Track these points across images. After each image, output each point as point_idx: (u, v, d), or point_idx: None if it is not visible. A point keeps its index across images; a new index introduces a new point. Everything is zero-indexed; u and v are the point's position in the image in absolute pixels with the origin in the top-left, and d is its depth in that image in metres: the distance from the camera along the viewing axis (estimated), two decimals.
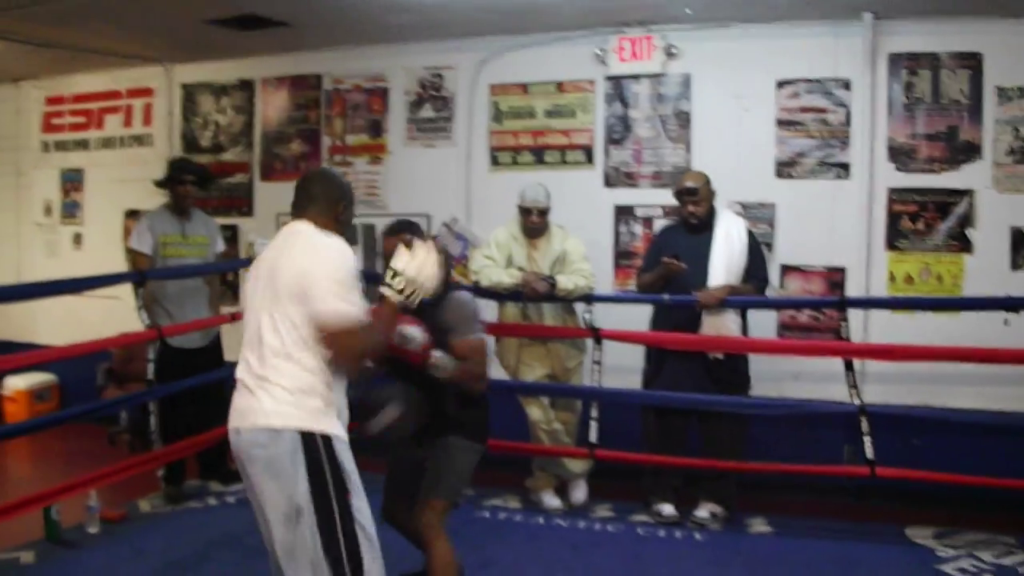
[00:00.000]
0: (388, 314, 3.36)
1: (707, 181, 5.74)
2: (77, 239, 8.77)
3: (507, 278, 5.84)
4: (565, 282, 5.78)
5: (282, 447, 3.17)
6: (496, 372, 6.46)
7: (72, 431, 7.78)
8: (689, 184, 5.73)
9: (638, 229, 6.62)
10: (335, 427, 3.25)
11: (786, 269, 6.34)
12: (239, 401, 3.34)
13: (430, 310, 3.95)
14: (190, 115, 8.15)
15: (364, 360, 3.32)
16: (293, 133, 7.69)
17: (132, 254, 6.31)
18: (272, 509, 3.24)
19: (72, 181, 8.75)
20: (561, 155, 6.82)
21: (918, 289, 6.18)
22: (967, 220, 6.10)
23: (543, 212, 5.92)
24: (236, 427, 3.30)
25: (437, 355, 3.96)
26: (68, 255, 8.71)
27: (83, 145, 8.71)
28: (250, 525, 5.56)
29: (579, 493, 6.16)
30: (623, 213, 6.70)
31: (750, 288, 5.68)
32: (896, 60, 6.18)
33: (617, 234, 6.71)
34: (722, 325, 5.62)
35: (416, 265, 3.33)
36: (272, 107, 7.78)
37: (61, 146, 8.78)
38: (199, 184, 6.42)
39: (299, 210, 3.47)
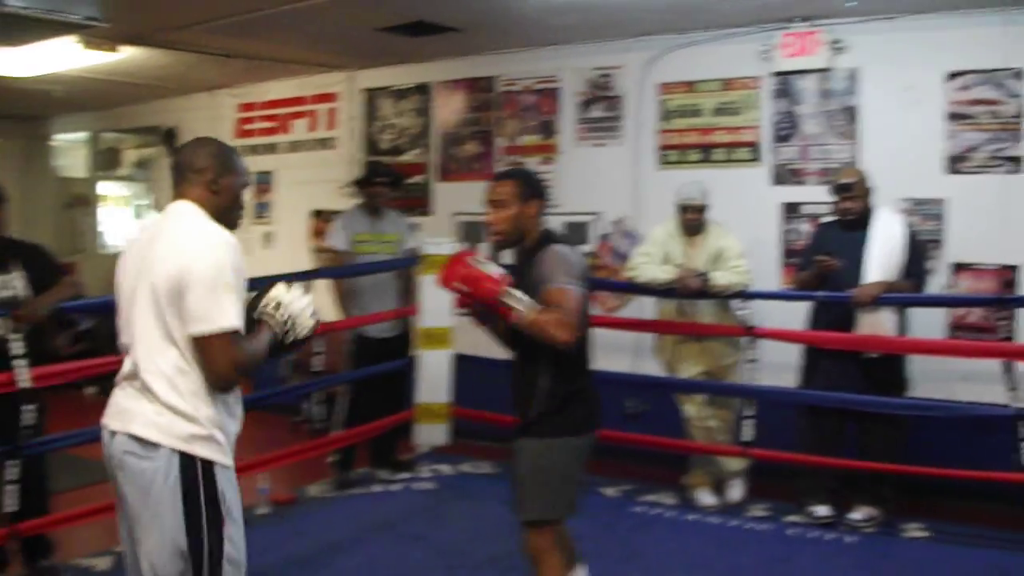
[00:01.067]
0: (264, 340, 3.10)
1: (863, 177, 5.70)
2: (267, 238, 9.29)
3: (662, 274, 5.92)
4: (719, 278, 5.82)
5: (156, 463, 2.92)
6: (652, 367, 6.65)
7: (257, 419, 8.27)
8: (845, 180, 5.70)
9: (805, 227, 6.59)
10: (218, 453, 2.99)
11: (957, 267, 6.21)
12: (121, 399, 3.05)
13: (526, 268, 3.75)
14: (371, 119, 8.53)
15: (238, 377, 2.97)
16: (468, 135, 7.96)
17: (328, 251, 6.75)
18: (137, 523, 2.97)
19: (262, 183, 9.25)
20: (728, 153, 6.86)
21: None
22: None
23: (699, 209, 5.98)
24: (112, 428, 3.01)
25: (515, 292, 3.55)
26: (259, 253, 9.17)
27: (272, 149, 9.22)
28: (408, 512, 6.05)
29: (735, 491, 6.19)
30: (790, 211, 6.69)
31: (908, 286, 5.58)
32: None
33: (784, 232, 6.71)
34: (877, 324, 5.55)
35: (298, 307, 3.17)
36: (448, 109, 8.07)
37: (252, 150, 9.27)
38: (391, 185, 6.78)
39: (175, 189, 3.17)
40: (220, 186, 3.12)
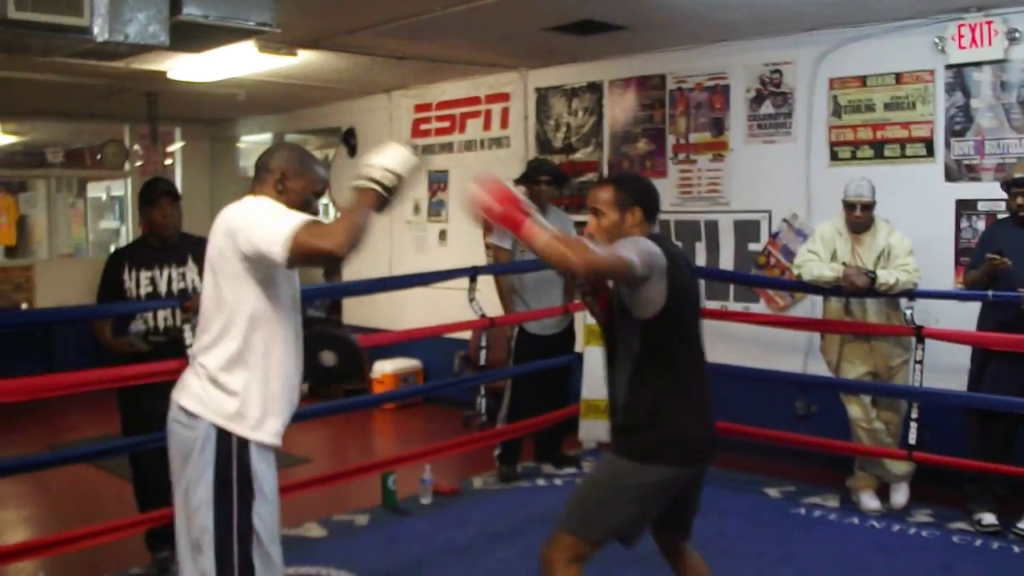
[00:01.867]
0: (365, 203, 3.05)
1: None
2: (442, 235, 9.54)
3: (828, 272, 5.87)
4: (886, 276, 5.73)
5: (196, 432, 3.10)
6: (818, 367, 6.61)
7: (432, 413, 8.82)
8: (1019, 175, 5.55)
9: (980, 225, 6.38)
10: (255, 431, 3.12)
11: None
12: (185, 373, 3.27)
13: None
14: (543, 117, 8.67)
15: (349, 243, 2.95)
16: (639, 132, 8.00)
17: (493, 249, 6.94)
18: (177, 488, 3.19)
19: (438, 181, 9.52)
20: (901, 148, 6.72)
21: None
22: None
23: (867, 207, 5.91)
24: (173, 396, 3.24)
25: (540, 217, 3.27)
26: (434, 250, 9.48)
27: (447, 148, 9.46)
28: (551, 511, 6.12)
29: (900, 496, 6.05)
30: (965, 208, 6.50)
31: None
32: None
33: (958, 230, 6.52)
34: None
35: (399, 159, 3.11)
36: (619, 107, 8.14)
37: (428, 149, 9.53)
38: (554, 183, 6.90)
39: (252, 185, 3.35)
40: (286, 187, 3.25)
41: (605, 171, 8.21)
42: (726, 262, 7.51)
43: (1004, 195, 5.82)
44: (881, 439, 6.05)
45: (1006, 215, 5.87)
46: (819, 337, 6.52)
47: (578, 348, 7.07)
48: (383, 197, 3.07)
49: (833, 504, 6.18)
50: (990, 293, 5.57)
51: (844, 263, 5.92)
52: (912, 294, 5.88)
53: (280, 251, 2.92)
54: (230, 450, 3.08)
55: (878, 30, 6.73)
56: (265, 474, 3.14)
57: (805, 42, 7.08)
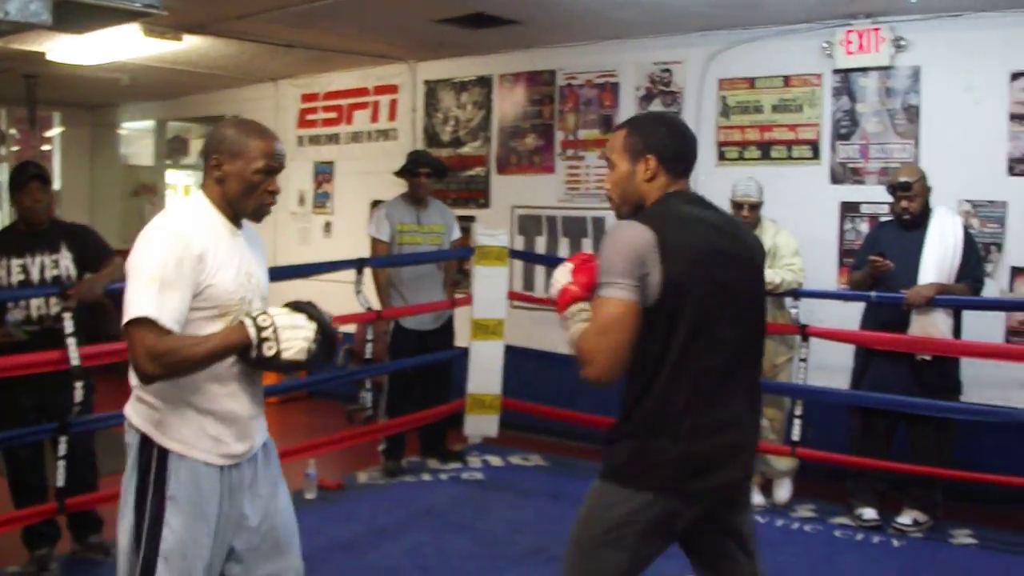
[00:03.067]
0: (219, 339, 2.77)
1: (922, 176, 5.64)
2: (327, 227, 9.41)
3: None
4: (772, 276, 5.72)
5: (130, 439, 2.94)
6: None
7: (314, 407, 8.63)
8: (903, 179, 5.64)
9: (864, 227, 6.51)
10: (179, 443, 2.88)
11: (1016, 271, 6.09)
12: None
13: None
14: (432, 110, 8.58)
15: (156, 370, 2.71)
16: (528, 128, 7.96)
17: (372, 241, 6.77)
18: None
19: (323, 173, 9.37)
20: (787, 150, 6.80)
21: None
22: None
23: (754, 206, 5.94)
24: None
25: (572, 310, 2.75)
26: (319, 242, 9.34)
27: (334, 139, 9.30)
28: (454, 501, 6.12)
29: (783, 491, 6.15)
30: (849, 210, 6.62)
31: (963, 288, 5.51)
32: None
33: (842, 231, 6.64)
34: (931, 326, 5.48)
35: (290, 329, 2.77)
36: (508, 102, 8.09)
37: (314, 140, 9.39)
38: (434, 176, 6.80)
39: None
40: (224, 173, 2.91)
41: (493, 166, 8.14)
42: None
43: (888, 198, 5.89)
44: (765, 436, 6.04)
45: (889, 218, 5.95)
46: None
47: (463, 343, 6.97)
48: (250, 351, 2.77)
49: None
50: (873, 294, 5.65)
51: None
52: (798, 293, 5.93)
53: (124, 321, 2.72)
54: (151, 459, 2.89)
55: (768, 33, 6.80)
56: (185, 488, 2.88)
57: (695, 42, 7.13)
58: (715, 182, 6.83)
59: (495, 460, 6.99)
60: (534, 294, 7.65)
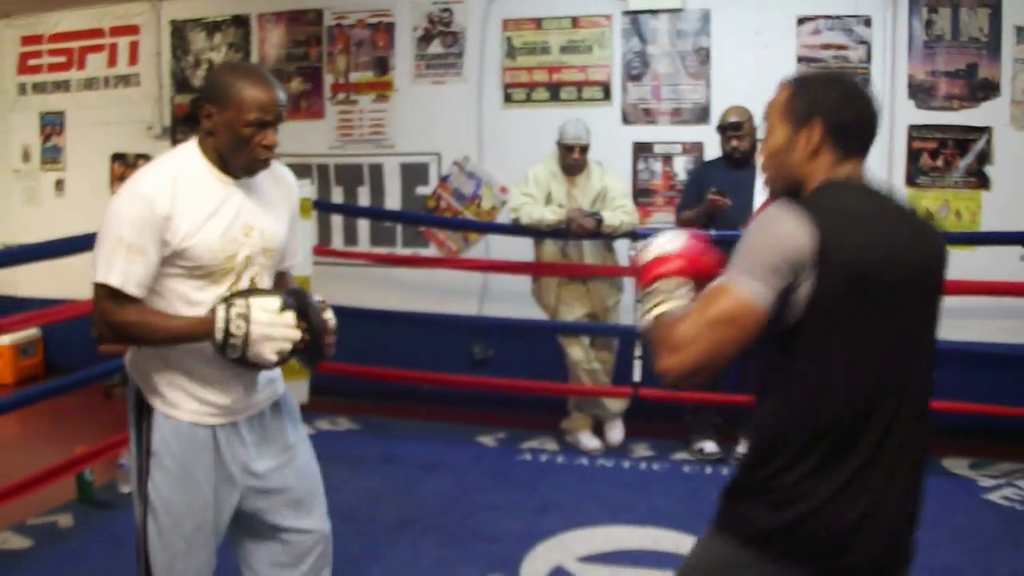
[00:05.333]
0: (181, 329, 2.70)
1: (751, 116, 5.73)
2: (59, 185, 8.48)
3: (550, 215, 5.76)
4: (611, 218, 5.73)
5: (129, 391, 2.90)
6: (493, 310, 6.62)
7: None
8: (733, 119, 5.73)
9: (657, 167, 6.60)
10: (163, 403, 2.80)
11: None
12: None
13: None
14: (180, 53, 7.92)
15: (108, 336, 2.69)
16: (293, 71, 7.50)
17: None
18: None
19: (52, 124, 8.46)
20: (577, 91, 6.74)
21: (938, 225, 6.24)
22: (985, 157, 6.20)
23: (585, 149, 5.86)
24: None
25: (670, 285, 2.14)
26: (50, 202, 8.41)
27: (63, 87, 8.40)
28: None
29: (616, 433, 6.12)
30: (642, 150, 6.66)
31: None
32: None
33: (636, 172, 6.67)
34: None
35: (264, 331, 2.67)
36: (270, 44, 7.59)
37: (40, 88, 8.47)
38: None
39: None
40: (214, 124, 2.70)
41: None
42: (392, 207, 7.20)
43: (678, 138, 6.18)
44: (599, 378, 6.07)
45: (685, 158, 6.26)
46: (495, 279, 6.61)
47: None
48: (217, 338, 2.68)
49: (553, 447, 6.09)
50: (712, 232, 5.59)
51: (560, 205, 5.83)
52: (635, 235, 5.88)
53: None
54: (141, 413, 2.83)
55: None
56: (168, 444, 2.80)
57: None
58: (500, 124, 6.89)
59: (304, 429, 6.42)
60: (332, 247, 7.28)
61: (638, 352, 5.85)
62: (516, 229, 5.95)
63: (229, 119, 2.66)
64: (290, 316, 2.71)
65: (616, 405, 6.09)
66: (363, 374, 6.43)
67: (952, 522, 4.73)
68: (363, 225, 7.27)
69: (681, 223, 5.89)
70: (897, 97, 6.24)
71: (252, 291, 2.75)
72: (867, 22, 6.28)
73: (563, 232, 5.79)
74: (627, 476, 5.57)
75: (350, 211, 7.28)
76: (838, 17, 6.32)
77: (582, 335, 6.06)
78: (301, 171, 7.11)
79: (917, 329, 2.13)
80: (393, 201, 7.18)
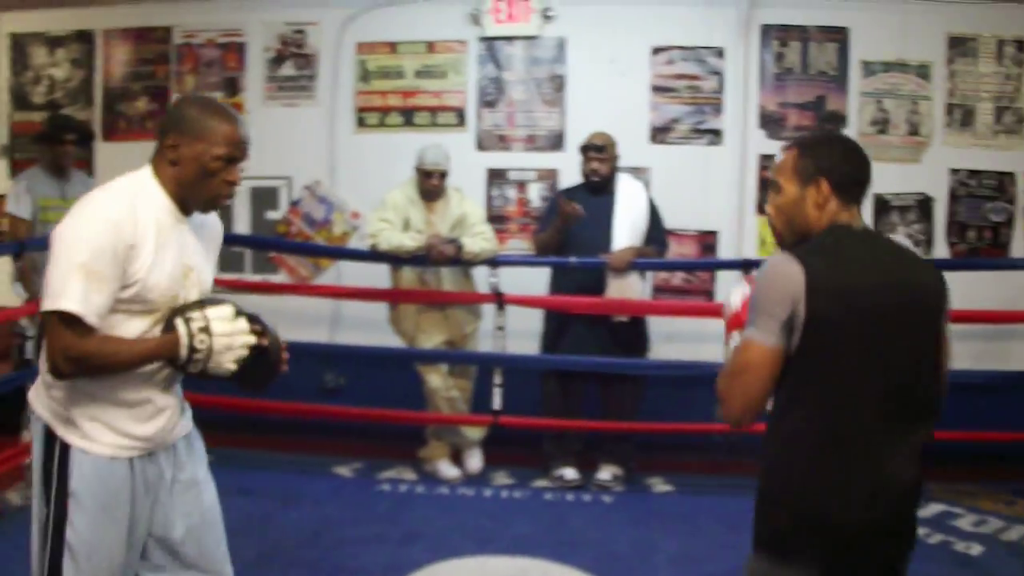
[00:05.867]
0: (145, 350, 2.58)
1: (614, 142, 5.76)
2: None
3: (409, 241, 5.63)
4: (471, 245, 5.66)
5: (34, 427, 2.70)
6: (345, 338, 6.54)
7: None
8: (598, 141, 5.74)
9: (511, 193, 6.59)
10: (77, 437, 2.63)
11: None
12: None
13: None
14: (20, 68, 7.58)
15: (69, 368, 2.51)
16: (139, 90, 7.23)
17: (10, 220, 5.78)
18: None
19: None
20: (432, 117, 6.69)
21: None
22: None
23: (444, 175, 5.79)
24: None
25: (736, 338, 2.56)
26: None
27: None
28: None
29: (475, 461, 6.04)
30: (496, 177, 6.64)
31: (652, 251, 5.75)
32: (768, 31, 6.42)
33: (489, 198, 6.64)
34: (628, 288, 5.65)
35: (225, 342, 2.60)
36: (115, 61, 7.29)
37: None
38: (81, 143, 6.01)
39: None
40: (180, 155, 2.60)
41: (98, 132, 7.30)
42: (242, 231, 6.98)
43: (533, 165, 6.22)
44: (458, 406, 6.01)
45: (540, 184, 6.33)
46: (347, 307, 6.55)
47: None
48: (182, 355, 2.58)
49: (411, 477, 5.97)
50: (573, 259, 5.68)
51: (419, 231, 5.74)
52: (495, 262, 5.85)
53: (41, 308, 2.52)
54: (53, 452, 2.64)
55: None
56: (89, 485, 2.63)
57: (331, 3, 6.83)
58: (353, 148, 6.77)
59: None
60: None
61: (497, 380, 5.80)
62: (373, 255, 5.82)
63: (198, 152, 2.59)
64: (244, 322, 2.63)
65: (475, 433, 6.03)
66: (212, 403, 6.17)
67: None
68: None
69: (537, 245, 5.90)
70: (749, 127, 6.37)
71: (201, 302, 2.65)
72: (720, 53, 6.39)
73: (422, 259, 5.68)
74: (489, 505, 5.51)
75: None
76: (692, 48, 6.42)
77: (440, 363, 5.98)
78: None
79: (909, 349, 2.41)
80: (242, 225, 6.98)
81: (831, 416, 2.36)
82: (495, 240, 5.87)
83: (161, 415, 2.73)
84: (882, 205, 6.35)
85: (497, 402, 5.79)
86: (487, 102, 6.61)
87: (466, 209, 5.88)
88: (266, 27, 6.96)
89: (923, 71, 6.36)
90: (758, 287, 2.42)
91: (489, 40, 6.59)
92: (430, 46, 6.67)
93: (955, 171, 6.38)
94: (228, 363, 2.59)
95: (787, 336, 2.35)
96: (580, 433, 5.88)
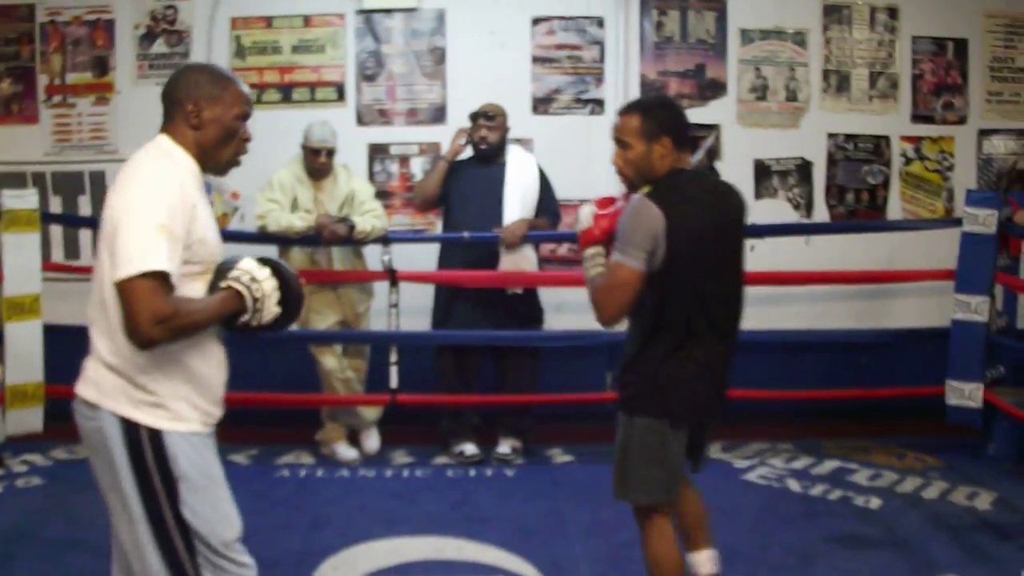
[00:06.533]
0: (218, 305, 2.64)
1: (504, 113, 5.73)
2: None
3: (299, 222, 5.52)
4: (363, 223, 5.58)
5: (100, 422, 2.65)
6: None
7: None
8: (488, 110, 5.72)
9: (394, 168, 6.50)
10: (165, 419, 2.64)
11: None
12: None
13: None
14: None
15: (159, 333, 2.48)
16: (2, 71, 6.93)
17: None
18: (104, 489, 2.75)
19: None
20: (311, 92, 6.55)
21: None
22: (714, 153, 6.39)
23: (331, 152, 5.69)
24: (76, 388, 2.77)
25: (589, 252, 3.33)
26: None
27: None
28: (37, 515, 5.02)
29: (372, 441, 5.96)
30: (378, 152, 6.54)
31: (545, 223, 5.74)
32: (647, 0, 6.37)
33: (372, 173, 6.54)
34: (522, 260, 5.65)
35: (268, 288, 2.72)
36: None
37: None
38: None
39: (162, 121, 2.78)
40: (202, 120, 2.69)
41: None
42: None
43: (416, 139, 6.24)
44: (353, 387, 5.91)
45: (422, 158, 6.29)
46: None
47: None
48: (246, 309, 2.68)
49: (309, 460, 5.86)
50: (466, 234, 5.64)
51: (307, 211, 5.63)
52: (387, 239, 5.78)
53: (115, 278, 2.48)
54: (140, 440, 2.61)
55: None
56: (192, 463, 2.66)
57: None
58: None
59: (40, 459, 5.83)
60: (76, 263, 6.67)
61: (393, 358, 5.73)
62: (262, 237, 5.67)
63: (218, 114, 2.70)
64: (266, 268, 2.75)
65: (371, 413, 5.95)
66: None
67: (719, 505, 4.79)
68: (85, 236, 6.79)
69: (419, 194, 5.91)
70: (630, 96, 6.34)
71: (230, 260, 2.74)
72: (600, 23, 6.40)
73: (313, 239, 5.58)
74: (392, 485, 5.44)
75: (74, 222, 6.75)
76: (572, 18, 6.42)
77: (335, 343, 5.88)
78: (15, 180, 6.65)
79: (725, 266, 3.32)
80: None
81: (678, 317, 3.21)
82: (385, 217, 5.80)
83: (222, 390, 2.81)
84: (763, 170, 6.43)
85: (394, 381, 5.72)
86: (367, 76, 6.50)
87: (354, 187, 5.78)
88: (135, 3, 6.71)
89: (799, 38, 6.46)
90: (629, 223, 3.15)
91: (367, 13, 6.47)
92: (307, 20, 6.53)
93: (832, 135, 6.52)
94: (273, 307, 2.72)
95: (649, 261, 3.12)
96: (477, 408, 5.86)
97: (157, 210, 2.50)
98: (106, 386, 2.63)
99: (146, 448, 2.61)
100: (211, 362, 2.75)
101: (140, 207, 2.51)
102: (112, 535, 2.79)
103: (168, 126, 2.74)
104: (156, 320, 2.45)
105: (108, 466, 2.65)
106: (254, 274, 2.69)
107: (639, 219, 3.13)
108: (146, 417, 2.61)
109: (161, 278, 2.47)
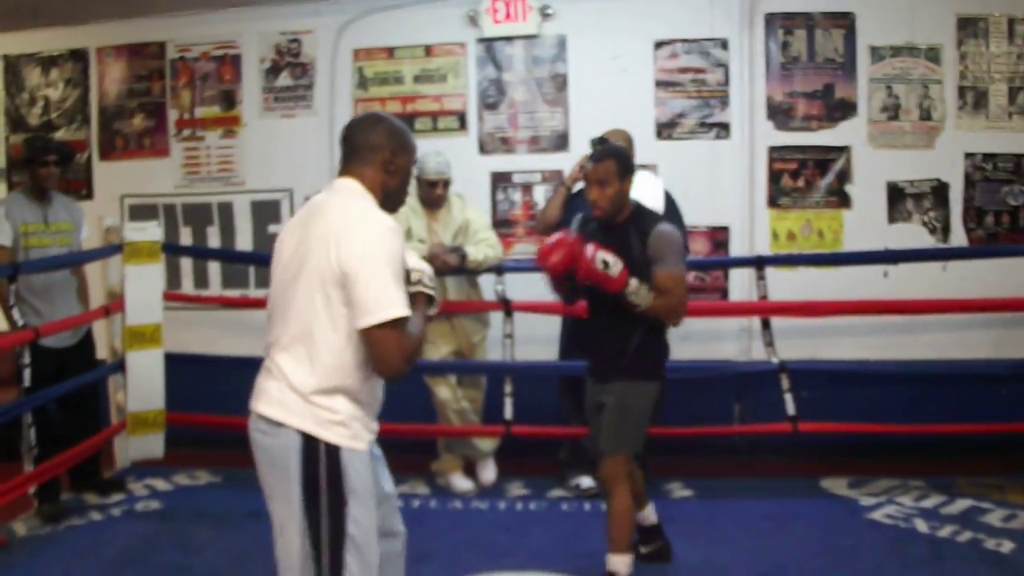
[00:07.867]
0: (423, 319, 3.01)
1: (630, 139, 5.59)
2: None
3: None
4: (475, 253, 5.57)
5: (280, 440, 2.91)
6: None
7: None
8: (614, 140, 5.54)
9: (517, 196, 6.46)
10: (349, 439, 2.92)
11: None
12: (259, 380, 3.06)
13: (615, 239, 4.06)
14: (14, 90, 7.47)
15: (407, 368, 2.87)
16: (135, 107, 7.12)
17: None
18: (269, 500, 3.01)
19: None
20: (433, 122, 6.57)
21: (800, 245, 6.25)
22: (845, 176, 6.20)
23: (447, 183, 5.68)
24: (251, 406, 3.04)
25: (634, 283, 3.95)
26: None
27: None
28: (149, 539, 5.14)
29: (488, 473, 5.91)
30: (500, 180, 6.52)
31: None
32: (772, 20, 6.28)
33: (495, 202, 6.52)
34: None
35: (429, 272, 3.11)
36: (110, 79, 7.19)
37: None
38: (61, 164, 5.67)
39: (343, 165, 3.04)
40: (396, 166, 3.01)
41: (95, 151, 7.19)
42: (244, 246, 6.88)
43: (538, 167, 6.26)
44: (469, 418, 5.87)
45: (546, 186, 6.22)
46: None
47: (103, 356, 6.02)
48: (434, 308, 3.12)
49: (424, 491, 5.84)
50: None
51: (421, 241, 5.62)
52: (500, 269, 5.80)
53: (362, 325, 2.81)
54: (318, 456, 2.90)
55: (406, 1, 6.48)
56: (361, 477, 2.95)
57: (326, 10, 6.73)
58: None
59: (161, 484, 5.99)
60: (182, 291, 6.86)
61: (508, 389, 5.69)
62: None
63: (406, 162, 3.05)
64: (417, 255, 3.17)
65: (487, 444, 5.90)
66: (220, 424, 6.06)
67: (839, 545, 4.65)
68: (214, 266, 6.93)
69: (541, 222, 5.79)
70: (756, 119, 6.24)
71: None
72: (724, 45, 6.26)
73: None
74: (504, 518, 5.37)
75: (200, 254, 6.91)
76: (695, 40, 6.30)
77: (449, 374, 5.85)
78: (146, 212, 6.82)
79: None
80: (244, 240, 6.87)
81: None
82: (499, 246, 5.78)
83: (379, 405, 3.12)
84: (896, 193, 6.19)
85: (508, 412, 5.67)
86: (488, 104, 6.49)
87: (469, 216, 5.76)
88: (261, 37, 6.85)
89: (932, 54, 6.21)
90: (674, 242, 4.07)
91: (487, 41, 6.47)
92: (428, 49, 6.56)
93: (970, 155, 6.22)
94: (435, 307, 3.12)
95: None
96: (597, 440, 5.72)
97: (392, 258, 2.81)
98: (294, 406, 2.89)
99: (321, 462, 2.87)
100: (377, 387, 3.02)
101: (377, 256, 2.79)
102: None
103: (356, 169, 2.98)
104: (406, 358, 2.83)
105: (283, 479, 2.90)
106: (426, 271, 3.06)
107: (676, 236, 4.11)
108: (329, 434, 2.88)
109: (404, 322, 2.81)
